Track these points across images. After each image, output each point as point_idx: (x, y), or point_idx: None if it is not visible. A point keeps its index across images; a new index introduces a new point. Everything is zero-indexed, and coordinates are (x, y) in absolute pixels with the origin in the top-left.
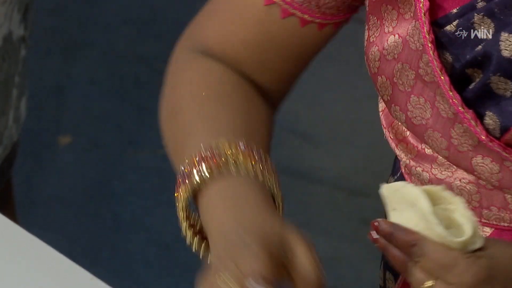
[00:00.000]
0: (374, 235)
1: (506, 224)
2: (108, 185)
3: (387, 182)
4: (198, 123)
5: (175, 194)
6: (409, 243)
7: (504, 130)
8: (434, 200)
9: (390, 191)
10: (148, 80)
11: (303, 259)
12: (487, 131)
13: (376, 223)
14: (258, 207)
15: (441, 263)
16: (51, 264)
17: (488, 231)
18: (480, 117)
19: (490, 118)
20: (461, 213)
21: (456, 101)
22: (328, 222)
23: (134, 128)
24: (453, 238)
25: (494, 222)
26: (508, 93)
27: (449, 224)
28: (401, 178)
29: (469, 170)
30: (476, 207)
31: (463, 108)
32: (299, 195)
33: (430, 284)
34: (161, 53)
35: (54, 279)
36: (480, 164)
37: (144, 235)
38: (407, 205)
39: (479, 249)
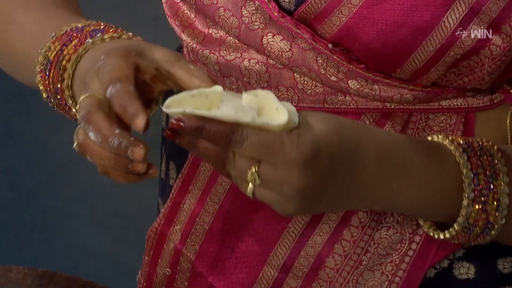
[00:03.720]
0: (176, 131)
1: (294, 104)
2: None
3: None
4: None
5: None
6: (225, 131)
7: (299, 2)
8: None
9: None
10: None
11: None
12: (281, 6)
13: (175, 121)
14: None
15: (265, 144)
16: None
17: None
18: None
19: None
20: (272, 101)
21: None
22: None
23: None
24: (272, 122)
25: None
26: None
27: (260, 113)
28: None
29: (260, 49)
30: (265, 87)
31: None
32: None
33: (254, 170)
34: None
35: None
36: (270, 42)
37: None
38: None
39: (296, 128)
